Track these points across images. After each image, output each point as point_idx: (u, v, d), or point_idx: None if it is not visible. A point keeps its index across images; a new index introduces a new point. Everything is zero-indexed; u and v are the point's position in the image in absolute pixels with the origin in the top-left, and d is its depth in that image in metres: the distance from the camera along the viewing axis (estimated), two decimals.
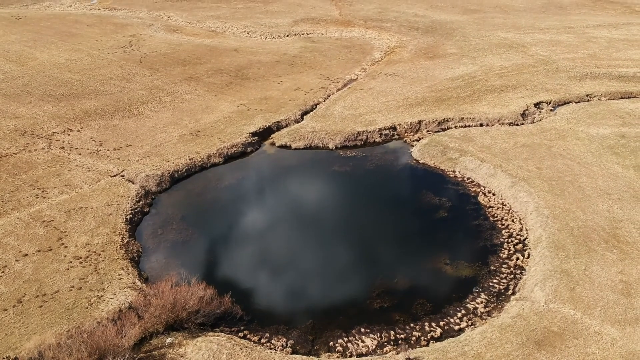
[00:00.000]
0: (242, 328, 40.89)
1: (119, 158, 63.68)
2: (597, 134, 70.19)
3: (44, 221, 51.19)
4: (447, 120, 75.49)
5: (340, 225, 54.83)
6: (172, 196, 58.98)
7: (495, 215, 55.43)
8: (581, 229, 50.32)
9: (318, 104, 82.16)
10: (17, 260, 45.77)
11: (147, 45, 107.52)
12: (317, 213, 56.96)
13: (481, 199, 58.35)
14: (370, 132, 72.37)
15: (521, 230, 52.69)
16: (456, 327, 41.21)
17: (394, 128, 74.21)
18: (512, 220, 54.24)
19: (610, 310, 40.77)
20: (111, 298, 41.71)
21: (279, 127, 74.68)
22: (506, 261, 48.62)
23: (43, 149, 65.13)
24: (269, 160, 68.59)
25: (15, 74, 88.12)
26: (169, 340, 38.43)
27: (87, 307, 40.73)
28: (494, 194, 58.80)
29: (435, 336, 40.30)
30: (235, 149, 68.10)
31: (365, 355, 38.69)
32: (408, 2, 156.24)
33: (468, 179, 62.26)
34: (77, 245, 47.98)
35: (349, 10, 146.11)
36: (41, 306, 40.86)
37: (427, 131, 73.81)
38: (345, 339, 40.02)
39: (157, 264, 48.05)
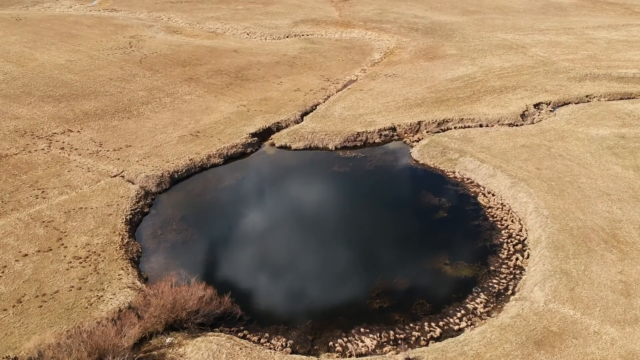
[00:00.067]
0: (241, 328, 40.91)
1: (118, 159, 63.73)
2: (596, 135, 70.26)
3: (43, 221, 51.22)
4: (447, 121, 75.55)
5: (340, 225, 54.88)
6: (172, 197, 59.01)
7: (495, 215, 55.47)
8: (581, 230, 50.36)
9: (318, 104, 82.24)
10: (17, 261, 45.79)
11: (147, 46, 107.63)
12: (317, 213, 56.99)
13: (481, 199, 58.40)
14: (370, 132, 72.44)
15: (521, 230, 52.74)
16: (456, 327, 41.22)
17: (393, 129, 74.28)
18: (512, 221, 54.29)
19: (610, 310, 40.79)
20: (111, 298, 41.73)
21: (278, 127, 74.75)
22: (506, 261, 48.65)
23: (43, 149, 65.19)
24: (268, 160, 68.64)
25: (15, 74, 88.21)
26: (168, 340, 38.44)
27: (86, 307, 40.74)
28: (493, 195, 58.85)
29: (435, 336, 40.32)
30: (235, 149, 68.15)
31: (365, 355, 38.70)
32: (408, 3, 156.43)
33: (468, 179, 62.31)
34: (77, 246, 48.01)
35: (349, 11, 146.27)
36: (41, 306, 40.88)
37: (427, 132, 73.88)
38: (345, 339, 40.03)
39: (156, 264, 48.08)
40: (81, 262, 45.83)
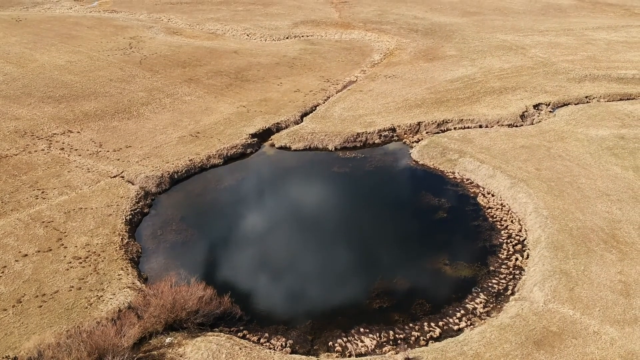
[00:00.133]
0: (241, 328, 40.93)
1: (118, 159, 63.78)
2: (596, 136, 70.32)
3: (43, 222, 51.25)
4: (447, 122, 75.61)
5: (340, 225, 54.91)
6: (172, 197, 59.05)
7: (495, 216, 55.51)
8: (580, 230, 50.39)
9: (317, 105, 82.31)
10: (16, 261, 45.82)
11: (147, 47, 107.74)
12: (316, 214, 57.02)
13: (480, 199, 58.43)
14: (369, 133, 72.49)
15: (520, 230, 52.77)
16: (455, 327, 41.24)
17: (393, 129, 74.33)
18: (511, 221, 54.32)
19: (609, 310, 40.81)
20: (110, 298, 41.76)
21: (278, 128, 74.81)
22: (505, 262, 48.68)
23: (43, 150, 65.24)
24: (268, 161, 68.69)
25: (16, 75, 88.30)
26: (168, 340, 38.45)
27: (86, 307, 40.76)
28: (493, 195, 58.89)
29: (435, 336, 40.33)
30: (234, 150, 68.20)
31: (365, 355, 38.71)
32: (407, 4, 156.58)
33: (467, 180, 62.36)
34: (76, 246, 48.04)
35: (349, 12, 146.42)
36: (41, 306, 40.89)
37: (427, 132, 73.94)
38: (345, 339, 40.05)
39: (156, 264, 48.10)
40: (81, 262, 45.86)
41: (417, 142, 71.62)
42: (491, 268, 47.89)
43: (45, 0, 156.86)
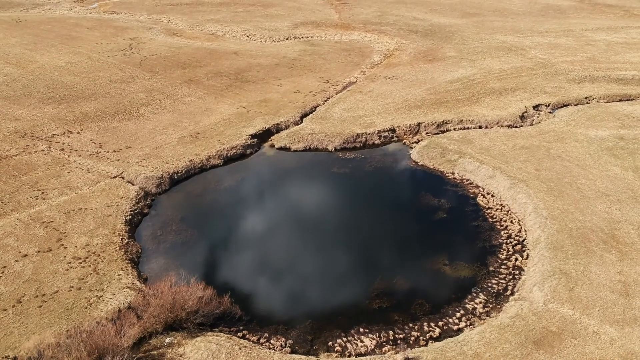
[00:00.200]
0: (241, 328, 40.93)
1: (118, 160, 63.83)
2: (595, 136, 70.39)
3: (43, 222, 51.29)
4: (446, 123, 75.68)
5: (339, 226, 54.93)
6: (172, 197, 59.10)
7: (494, 216, 55.55)
8: (580, 230, 50.43)
9: (317, 106, 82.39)
10: (16, 261, 45.84)
11: (147, 48, 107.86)
12: (316, 214, 57.05)
13: (480, 200, 58.48)
14: (369, 134, 72.55)
15: (520, 231, 52.80)
16: (455, 327, 41.26)
17: (393, 130, 74.40)
18: (511, 222, 54.35)
19: (609, 310, 40.84)
20: (110, 298, 41.78)
21: (278, 129, 74.88)
22: (505, 262, 48.71)
23: (43, 150, 65.29)
24: (268, 162, 68.75)
25: (16, 76, 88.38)
26: (168, 340, 38.46)
27: (86, 307, 40.78)
28: (492, 196, 58.94)
29: (434, 336, 40.33)
30: (234, 150, 68.26)
31: (364, 355, 38.71)
32: (407, 5, 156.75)
33: (467, 180, 62.41)
34: (76, 246, 48.07)
35: (349, 13, 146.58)
36: (40, 306, 40.91)
37: (426, 133, 74.00)
38: (344, 339, 40.06)
39: (156, 264, 48.12)
40: (81, 263, 45.89)
41: (416, 142, 71.68)
42: (491, 268, 47.93)
43: (46, 1, 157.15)
